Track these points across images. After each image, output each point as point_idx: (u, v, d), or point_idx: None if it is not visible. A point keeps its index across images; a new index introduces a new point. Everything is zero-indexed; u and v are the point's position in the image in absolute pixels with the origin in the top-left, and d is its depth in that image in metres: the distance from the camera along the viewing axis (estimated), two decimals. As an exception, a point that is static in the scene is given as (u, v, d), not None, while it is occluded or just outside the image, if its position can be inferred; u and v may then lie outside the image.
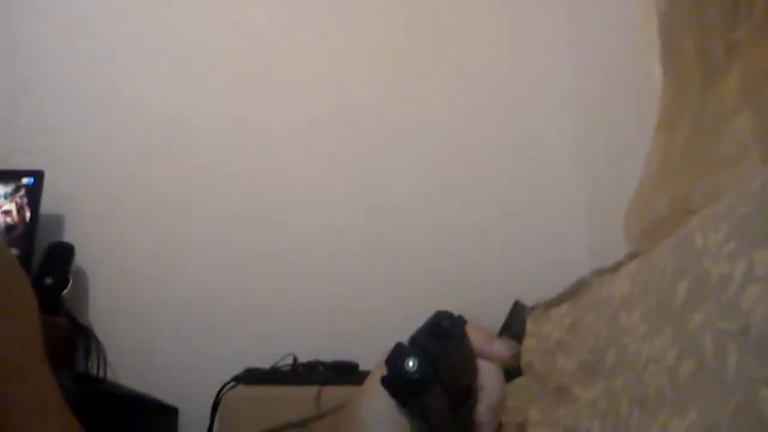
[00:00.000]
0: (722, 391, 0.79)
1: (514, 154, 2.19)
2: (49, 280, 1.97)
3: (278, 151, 2.22)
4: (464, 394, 0.45)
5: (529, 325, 1.49)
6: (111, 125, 2.19)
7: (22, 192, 2.04)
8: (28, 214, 2.03)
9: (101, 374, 2.00)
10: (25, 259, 2.01)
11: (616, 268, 1.28)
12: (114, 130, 2.19)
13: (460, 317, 0.43)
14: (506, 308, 1.92)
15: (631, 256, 1.28)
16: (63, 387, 0.61)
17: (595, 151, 2.10)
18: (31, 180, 2.05)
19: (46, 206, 2.06)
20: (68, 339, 1.99)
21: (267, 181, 2.19)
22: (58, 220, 2.16)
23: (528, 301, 1.67)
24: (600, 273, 1.34)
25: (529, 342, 1.45)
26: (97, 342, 2.05)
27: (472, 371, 0.45)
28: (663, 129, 1.51)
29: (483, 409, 0.46)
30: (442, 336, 0.41)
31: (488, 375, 0.46)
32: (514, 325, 1.66)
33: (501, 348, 0.48)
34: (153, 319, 2.11)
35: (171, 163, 2.18)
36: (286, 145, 2.23)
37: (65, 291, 1.98)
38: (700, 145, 1.33)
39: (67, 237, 2.13)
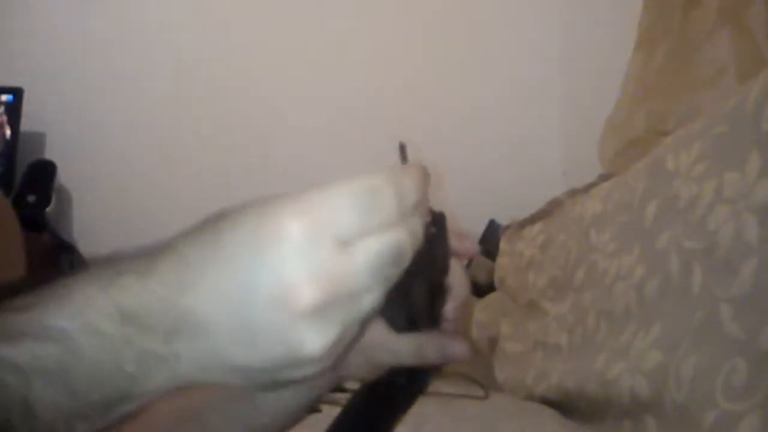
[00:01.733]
0: (686, 308, 0.81)
1: (491, 75, 2.16)
2: (31, 198, 1.94)
3: (266, 60, 2.16)
4: (439, 290, 0.46)
5: (503, 244, 1.51)
6: (93, 39, 2.11)
7: (2, 110, 1.99)
8: (8, 132, 1.99)
9: None
10: (6, 177, 1.98)
11: (588, 188, 1.29)
12: (96, 45, 2.11)
13: (441, 213, 0.44)
14: (481, 227, 1.94)
15: (604, 177, 1.29)
16: None
17: (572, 72, 2.08)
18: (11, 97, 2.00)
19: (27, 124, 2.01)
20: (52, 257, 1.97)
21: (250, 95, 2.15)
22: (39, 138, 2.11)
23: (502, 220, 1.68)
24: (573, 193, 1.35)
25: (502, 260, 1.48)
26: (82, 259, 2.04)
27: (447, 268, 0.46)
28: (642, 49, 1.50)
29: (451, 307, 0.47)
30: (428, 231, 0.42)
31: (457, 275, 0.48)
32: (488, 244, 1.68)
33: (470, 245, 0.49)
34: (137, 237, 2.08)
35: (155, 78, 2.13)
36: (275, 58, 2.17)
37: (48, 209, 1.96)
38: (678, 65, 1.32)
39: (48, 154, 2.08)
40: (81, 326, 0.32)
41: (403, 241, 0.35)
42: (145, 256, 0.34)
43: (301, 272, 0.32)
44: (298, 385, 0.46)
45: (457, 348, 0.46)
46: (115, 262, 0.34)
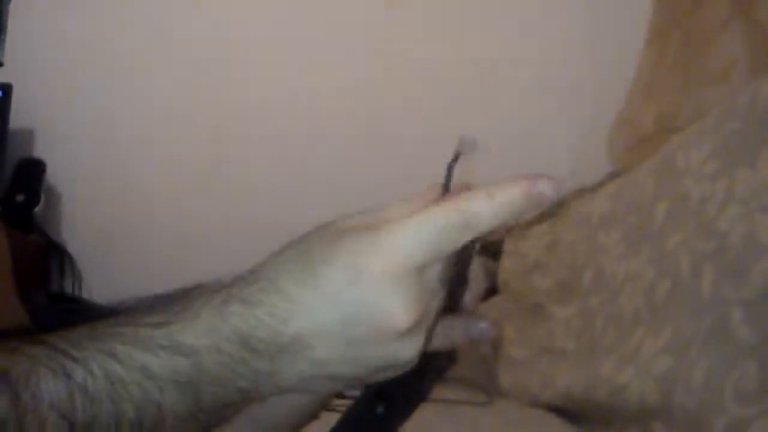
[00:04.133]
0: (696, 311, 0.80)
1: (496, 72, 2.14)
2: (20, 198, 1.91)
3: (267, 55, 2.15)
4: (462, 280, 0.47)
5: (507, 245, 1.50)
6: (84, 34, 2.10)
7: (-10, 106, 2.00)
8: (-4, 129, 2.00)
9: (75, 292, 2.00)
10: (-5, 176, 2.01)
11: (596, 187, 1.28)
12: (87, 40, 2.10)
13: None
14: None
15: (612, 176, 1.28)
16: (38, 306, 0.60)
17: (580, 68, 2.06)
18: (-1, 93, 2.04)
19: (16, 120, 1.97)
20: (42, 257, 1.96)
21: (247, 94, 2.13)
22: (28, 135, 2.09)
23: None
24: (580, 193, 1.34)
25: (506, 261, 1.46)
26: (71, 259, 2.02)
27: (470, 260, 0.47)
28: (652, 44, 1.50)
29: (469, 298, 0.49)
30: None
31: (474, 268, 0.49)
32: (492, 245, 1.67)
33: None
34: (127, 237, 2.09)
35: (149, 75, 2.11)
36: (276, 62, 2.16)
37: (37, 208, 1.94)
38: (689, 60, 1.32)
39: (38, 152, 2.06)
40: (207, 345, 0.37)
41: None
42: (243, 283, 0.39)
43: (394, 305, 0.38)
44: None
45: (483, 326, 0.48)
46: (214, 287, 0.40)
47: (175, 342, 0.37)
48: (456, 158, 0.47)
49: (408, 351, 0.40)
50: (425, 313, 0.40)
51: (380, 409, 0.48)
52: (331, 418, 0.50)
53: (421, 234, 0.39)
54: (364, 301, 0.38)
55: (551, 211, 1.38)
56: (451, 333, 0.47)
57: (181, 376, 0.37)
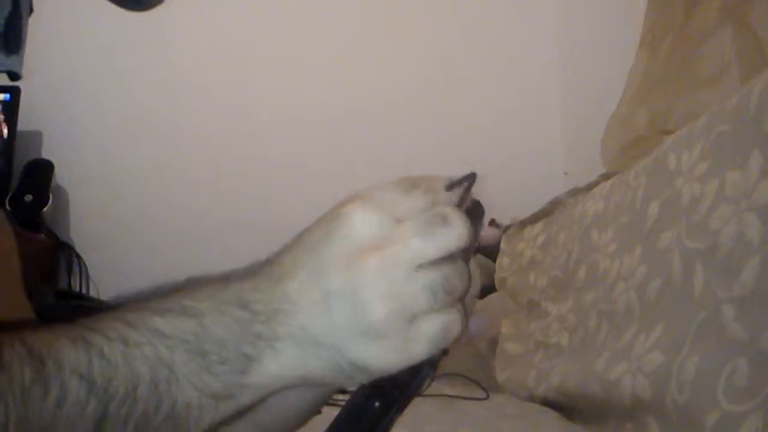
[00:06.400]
0: (688, 308, 0.80)
1: (493, 75, 2.15)
2: (29, 198, 1.95)
3: (266, 60, 2.15)
4: None
5: (504, 244, 1.50)
6: (91, 38, 2.10)
7: (-1, 108, 2.01)
8: (5, 131, 1.99)
9: (83, 290, 2.00)
10: (4, 176, 1.95)
11: (590, 188, 1.28)
12: (94, 44, 2.10)
13: (478, 202, 0.48)
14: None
15: (606, 176, 1.28)
16: (45, 303, 0.60)
17: (574, 71, 2.07)
18: (8, 96, 1.97)
19: (24, 123, 2.01)
20: (50, 255, 1.98)
21: (248, 97, 2.14)
22: (36, 137, 2.12)
23: (504, 220, 1.68)
24: (574, 193, 1.35)
25: (503, 260, 1.47)
26: (78, 258, 2.05)
27: (468, 258, 0.47)
28: (645, 47, 1.50)
29: (468, 297, 0.48)
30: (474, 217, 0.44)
31: (472, 265, 0.49)
32: (489, 245, 1.68)
33: (492, 232, 0.51)
34: (133, 236, 2.09)
35: (153, 78, 2.12)
36: (281, 67, 2.16)
37: (45, 208, 1.96)
38: (681, 63, 1.32)
39: (46, 154, 2.10)
40: (210, 306, 0.40)
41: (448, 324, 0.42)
42: (251, 265, 0.43)
43: (362, 240, 0.40)
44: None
45: (479, 321, 0.48)
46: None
47: (180, 305, 0.40)
48: (461, 182, 0.47)
49: (375, 306, 0.39)
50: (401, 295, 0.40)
51: (376, 404, 0.49)
52: (333, 412, 0.52)
53: (394, 186, 0.42)
54: (333, 244, 0.40)
55: (546, 211, 1.39)
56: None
57: (188, 336, 0.39)
